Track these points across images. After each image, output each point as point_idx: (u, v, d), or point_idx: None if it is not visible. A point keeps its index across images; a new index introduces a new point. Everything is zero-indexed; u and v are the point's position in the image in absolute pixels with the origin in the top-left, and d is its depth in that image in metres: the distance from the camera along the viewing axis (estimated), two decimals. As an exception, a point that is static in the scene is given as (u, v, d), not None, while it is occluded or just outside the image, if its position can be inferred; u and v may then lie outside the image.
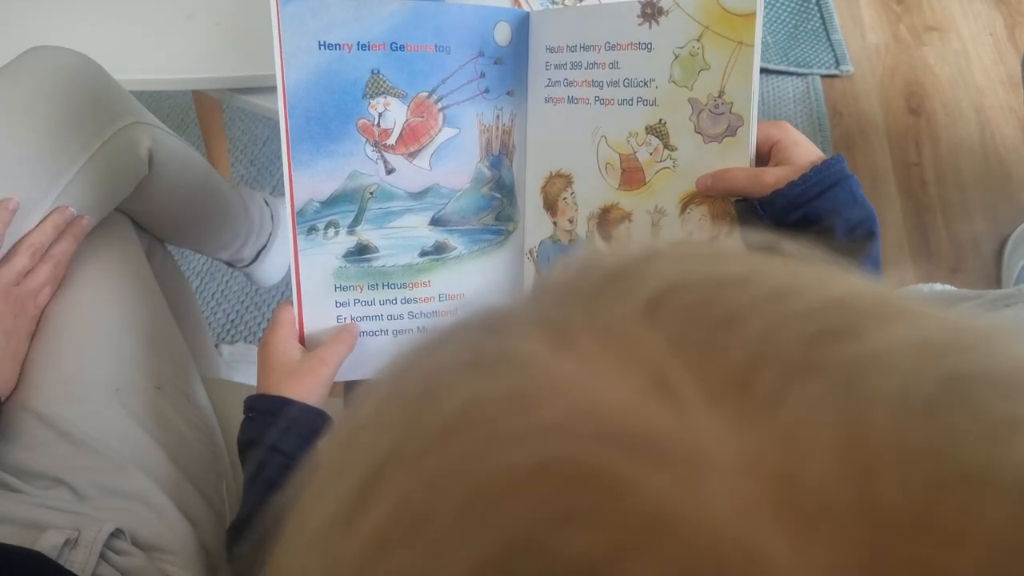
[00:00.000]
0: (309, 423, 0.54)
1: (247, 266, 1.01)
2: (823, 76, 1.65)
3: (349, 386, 0.69)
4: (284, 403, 0.54)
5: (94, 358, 0.61)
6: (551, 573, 0.13)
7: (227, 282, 1.27)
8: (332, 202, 0.57)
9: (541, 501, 0.14)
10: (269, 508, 0.53)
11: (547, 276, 0.21)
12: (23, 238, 0.61)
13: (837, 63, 1.67)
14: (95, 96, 0.66)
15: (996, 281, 1.34)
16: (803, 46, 1.72)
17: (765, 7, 1.76)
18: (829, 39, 1.73)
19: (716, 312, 0.16)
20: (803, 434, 0.14)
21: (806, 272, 0.19)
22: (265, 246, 1.00)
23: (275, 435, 0.53)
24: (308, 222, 0.57)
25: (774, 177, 0.48)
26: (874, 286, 0.18)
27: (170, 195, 0.76)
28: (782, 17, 1.78)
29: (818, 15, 1.78)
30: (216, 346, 1.08)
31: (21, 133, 0.62)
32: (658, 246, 0.20)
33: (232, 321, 1.24)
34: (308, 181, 0.56)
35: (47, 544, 0.50)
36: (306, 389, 0.54)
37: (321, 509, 0.17)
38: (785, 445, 0.14)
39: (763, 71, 1.63)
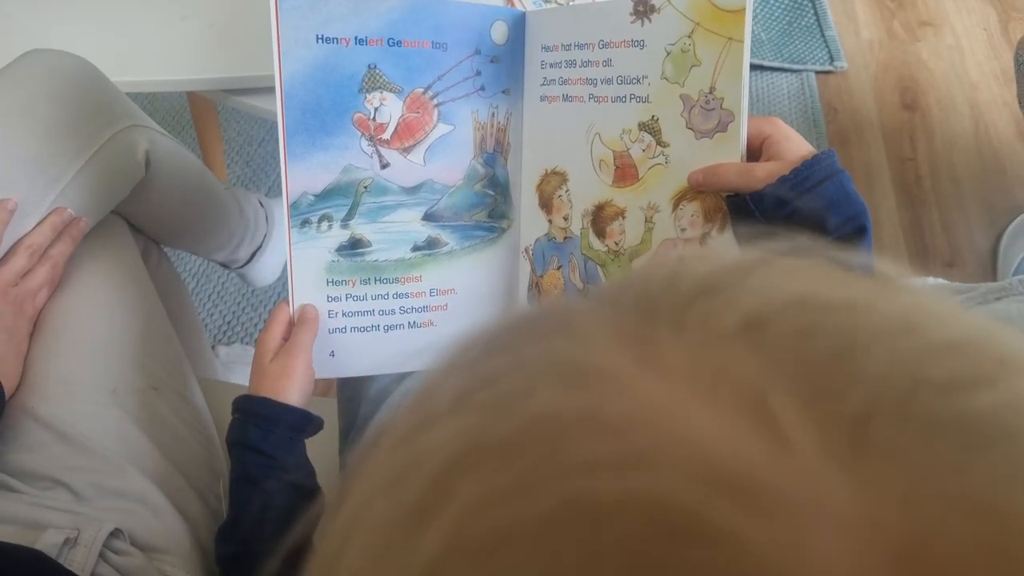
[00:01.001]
0: (291, 424, 0.55)
1: (242, 267, 1.01)
2: (817, 72, 1.66)
3: (343, 383, 0.69)
4: (267, 404, 0.54)
5: (91, 359, 0.62)
6: None
7: (223, 284, 1.28)
8: (326, 195, 0.57)
9: (625, 543, 0.12)
10: (253, 510, 0.53)
11: (623, 280, 0.19)
12: (21, 239, 0.62)
13: (831, 59, 1.67)
14: (93, 99, 0.67)
15: (992, 275, 1.34)
16: (797, 42, 1.72)
17: (759, 4, 1.77)
18: (823, 35, 1.73)
19: (827, 341, 0.14)
20: (932, 499, 0.12)
21: (929, 303, 0.17)
22: (260, 247, 1.00)
23: (256, 436, 0.53)
24: (302, 215, 0.57)
25: (765, 172, 0.48)
26: (1002, 326, 0.16)
27: (166, 197, 0.76)
28: (776, 13, 1.79)
29: (812, 11, 1.78)
30: (212, 347, 1.08)
31: (19, 135, 0.62)
32: (755, 258, 0.18)
33: (228, 323, 1.24)
34: (303, 174, 0.56)
35: (47, 543, 0.50)
36: (282, 386, 0.55)
37: (378, 515, 0.16)
38: (909, 508, 0.12)
39: (758, 67, 1.64)
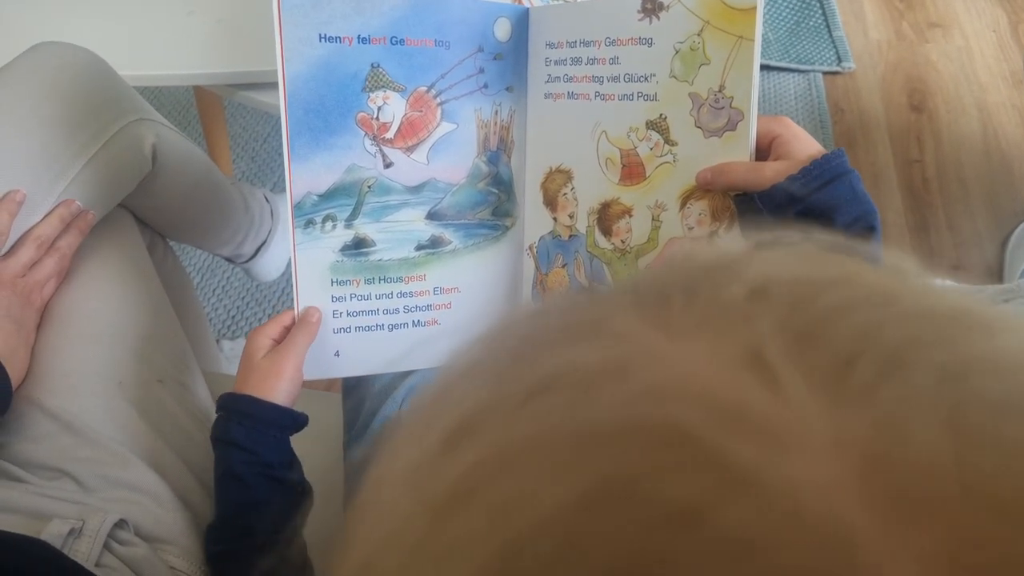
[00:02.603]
0: (275, 421, 0.54)
1: (246, 262, 1.01)
2: (825, 73, 1.65)
3: (347, 379, 0.69)
4: (251, 402, 0.54)
5: (97, 351, 0.62)
6: (638, 515, 0.14)
7: (228, 278, 1.28)
8: (330, 195, 0.57)
9: (631, 453, 0.14)
10: (238, 507, 0.54)
11: (641, 272, 0.22)
12: (29, 230, 0.62)
13: (839, 60, 1.67)
14: (101, 93, 0.67)
15: (998, 278, 1.33)
16: (805, 43, 1.71)
17: (767, 3, 1.76)
18: (831, 36, 1.72)
19: (819, 305, 0.17)
20: (899, 421, 0.14)
21: (907, 280, 0.19)
22: (265, 242, 1.00)
23: (240, 433, 0.53)
24: (306, 215, 0.57)
25: (773, 171, 0.48)
26: (987, 304, 0.18)
27: (172, 191, 0.76)
28: (784, 14, 1.78)
29: (820, 12, 1.78)
30: (217, 341, 1.08)
31: (28, 128, 0.62)
32: (762, 242, 0.20)
33: (233, 317, 1.24)
34: (306, 174, 0.56)
35: (52, 533, 0.50)
36: (269, 386, 0.55)
37: (412, 449, 0.18)
38: (880, 430, 0.14)
39: (765, 68, 1.63)
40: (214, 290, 1.27)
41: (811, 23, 1.75)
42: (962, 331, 0.16)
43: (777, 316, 0.16)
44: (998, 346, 0.16)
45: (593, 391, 0.16)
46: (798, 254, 0.20)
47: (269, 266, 1.03)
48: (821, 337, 0.16)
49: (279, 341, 0.58)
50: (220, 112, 1.24)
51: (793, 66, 1.65)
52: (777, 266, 0.19)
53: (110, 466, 0.57)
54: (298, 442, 0.57)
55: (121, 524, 0.54)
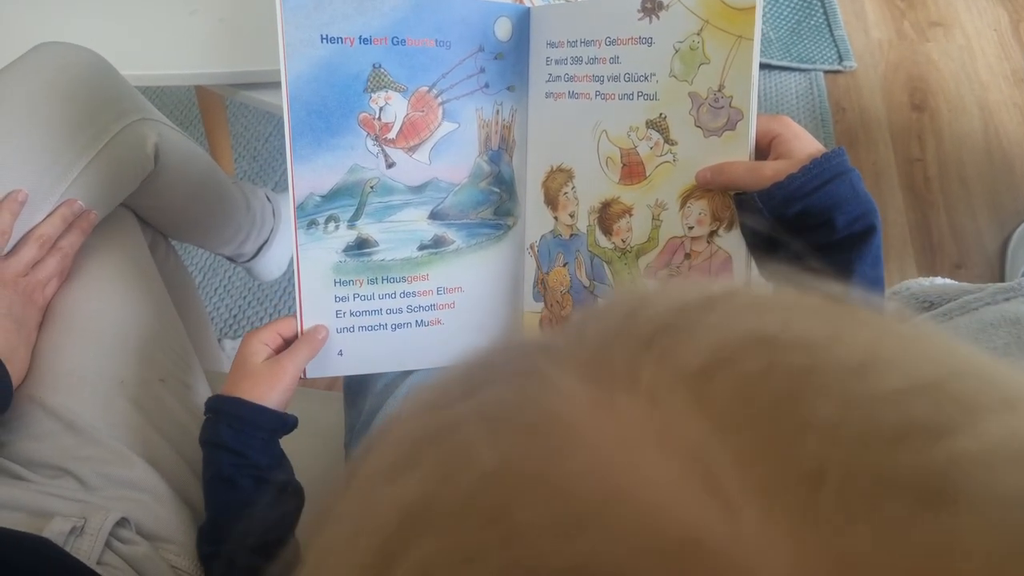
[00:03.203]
0: (263, 424, 0.54)
1: (248, 261, 1.01)
2: (826, 72, 1.65)
3: (349, 378, 0.69)
4: (240, 404, 0.54)
5: (99, 350, 0.62)
6: None
7: (230, 277, 1.28)
8: (333, 196, 0.57)
9: None
10: (228, 509, 0.53)
11: (590, 310, 0.20)
12: (32, 230, 0.62)
13: (840, 59, 1.67)
14: (103, 92, 0.67)
15: (1000, 277, 1.33)
16: (806, 42, 1.71)
17: (768, 3, 1.76)
18: (832, 35, 1.72)
19: (779, 384, 0.14)
20: (869, 567, 0.12)
21: (892, 333, 0.16)
22: (267, 241, 1.01)
23: (229, 436, 0.53)
24: (308, 216, 0.57)
25: (773, 170, 0.48)
26: (981, 357, 0.15)
27: (174, 191, 0.77)
28: (785, 13, 1.78)
29: (821, 11, 1.78)
30: (219, 341, 1.08)
31: (30, 128, 0.62)
32: (717, 292, 0.18)
33: (235, 316, 1.24)
34: (309, 175, 0.56)
35: (54, 531, 0.50)
36: (261, 392, 0.55)
37: (339, 568, 0.16)
38: (845, 569, 0.12)
39: (766, 67, 1.63)
40: (216, 289, 1.27)
41: (812, 22, 1.75)
42: (975, 412, 0.14)
43: (728, 407, 0.14)
44: (1009, 433, 0.13)
45: (519, 514, 0.14)
46: (755, 306, 0.17)
47: (271, 265, 1.04)
48: (777, 438, 0.13)
49: (272, 346, 0.57)
50: (222, 111, 1.25)
51: (794, 65, 1.65)
52: (730, 327, 0.16)
53: (112, 465, 0.57)
54: (299, 441, 0.57)
55: (123, 522, 0.54)
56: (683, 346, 0.16)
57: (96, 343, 0.62)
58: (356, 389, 0.67)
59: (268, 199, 1.02)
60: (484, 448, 0.15)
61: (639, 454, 0.14)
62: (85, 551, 0.50)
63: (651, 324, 0.17)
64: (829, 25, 1.75)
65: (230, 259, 1.01)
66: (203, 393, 0.69)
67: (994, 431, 0.13)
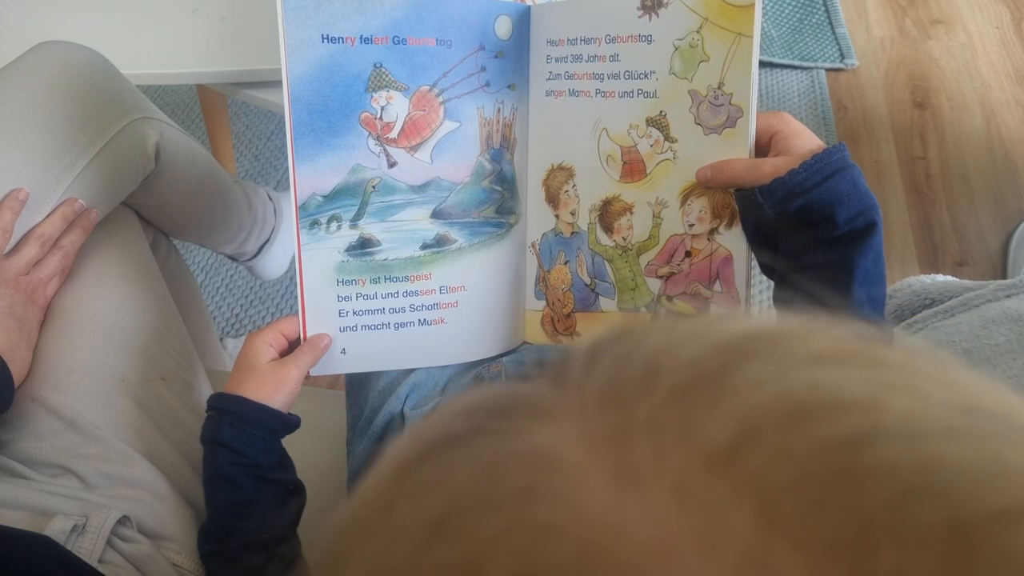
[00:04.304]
0: (265, 424, 0.54)
1: (250, 260, 1.01)
2: (828, 70, 1.65)
3: (351, 376, 0.69)
4: (242, 403, 0.54)
5: (100, 349, 0.62)
6: None
7: (232, 276, 1.28)
8: (335, 196, 0.57)
9: None
10: (229, 508, 0.53)
11: (584, 352, 0.17)
12: (33, 229, 0.62)
13: (842, 57, 1.67)
14: (104, 91, 0.67)
15: (1002, 275, 1.33)
16: (808, 40, 1.71)
17: (770, 1, 1.76)
18: (834, 33, 1.72)
19: (831, 463, 0.12)
20: None
21: (954, 380, 0.14)
22: (268, 240, 1.01)
23: (230, 434, 0.53)
24: (311, 216, 0.57)
25: (772, 167, 0.48)
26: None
27: (175, 190, 0.77)
28: (786, 11, 1.78)
29: (823, 9, 1.78)
30: (221, 340, 1.08)
31: (31, 127, 0.62)
32: (745, 337, 0.16)
33: (237, 315, 1.24)
34: (311, 175, 0.56)
35: (55, 529, 0.50)
36: (266, 393, 0.55)
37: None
38: None
39: (768, 65, 1.63)
40: (218, 288, 1.27)
41: (814, 20, 1.75)
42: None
43: (773, 491, 0.12)
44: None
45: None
46: (790, 356, 0.15)
47: (272, 264, 1.04)
48: (842, 528, 0.12)
49: (275, 347, 0.58)
50: (224, 110, 1.25)
51: (796, 63, 1.65)
52: (763, 388, 0.14)
53: (113, 463, 0.57)
54: (301, 440, 0.57)
55: (124, 521, 0.54)
56: (708, 418, 0.14)
57: (97, 341, 0.62)
58: (358, 387, 0.67)
59: (270, 198, 1.03)
60: (494, 557, 0.13)
61: (683, 552, 0.12)
62: (86, 550, 0.50)
63: (668, 385, 0.15)
64: (831, 23, 1.74)
65: (231, 258, 1.02)
66: (205, 392, 0.69)
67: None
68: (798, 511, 0.12)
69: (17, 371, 0.57)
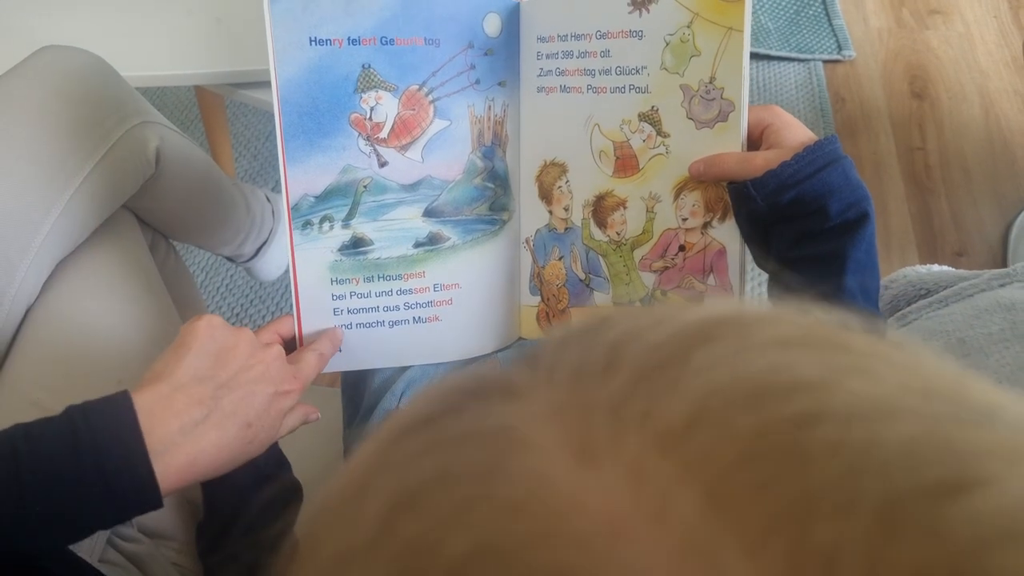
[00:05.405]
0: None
1: (248, 261, 1.02)
2: (825, 61, 1.64)
3: (347, 373, 0.69)
4: None
5: (98, 350, 0.62)
6: None
7: (231, 277, 1.29)
8: (326, 196, 0.57)
9: None
10: (225, 504, 0.53)
11: (559, 338, 0.17)
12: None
13: (839, 48, 1.66)
14: (106, 96, 0.67)
15: (1002, 265, 1.33)
16: (805, 31, 1.71)
17: (766, -7, 1.76)
18: (831, 24, 1.72)
19: (776, 442, 0.13)
20: None
21: (916, 365, 0.14)
22: (266, 242, 1.01)
23: None
24: (303, 217, 0.57)
25: (764, 160, 0.48)
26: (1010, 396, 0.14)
27: (174, 193, 0.77)
28: (783, 3, 1.77)
29: (820, 0, 1.77)
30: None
31: (38, 134, 0.62)
32: (710, 321, 0.16)
33: (236, 316, 1.25)
34: (302, 176, 0.56)
35: None
36: None
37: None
38: None
39: (765, 57, 1.63)
40: (218, 289, 1.27)
41: (811, 12, 1.75)
42: (1006, 461, 0.12)
43: (718, 471, 0.13)
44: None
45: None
46: (750, 345, 0.15)
47: (271, 265, 1.04)
48: (780, 505, 0.12)
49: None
50: (222, 111, 1.25)
51: (793, 55, 1.65)
52: (717, 371, 0.14)
53: (114, 464, 0.57)
54: (298, 438, 0.57)
55: (125, 520, 0.54)
56: (665, 400, 0.14)
57: (95, 343, 0.63)
58: (353, 385, 0.68)
59: (268, 199, 1.03)
60: (455, 529, 0.13)
61: (631, 526, 0.12)
62: (87, 549, 0.51)
63: (630, 370, 0.15)
64: (828, 14, 1.74)
65: (230, 259, 1.02)
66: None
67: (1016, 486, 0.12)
68: (742, 489, 0.12)
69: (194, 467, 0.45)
